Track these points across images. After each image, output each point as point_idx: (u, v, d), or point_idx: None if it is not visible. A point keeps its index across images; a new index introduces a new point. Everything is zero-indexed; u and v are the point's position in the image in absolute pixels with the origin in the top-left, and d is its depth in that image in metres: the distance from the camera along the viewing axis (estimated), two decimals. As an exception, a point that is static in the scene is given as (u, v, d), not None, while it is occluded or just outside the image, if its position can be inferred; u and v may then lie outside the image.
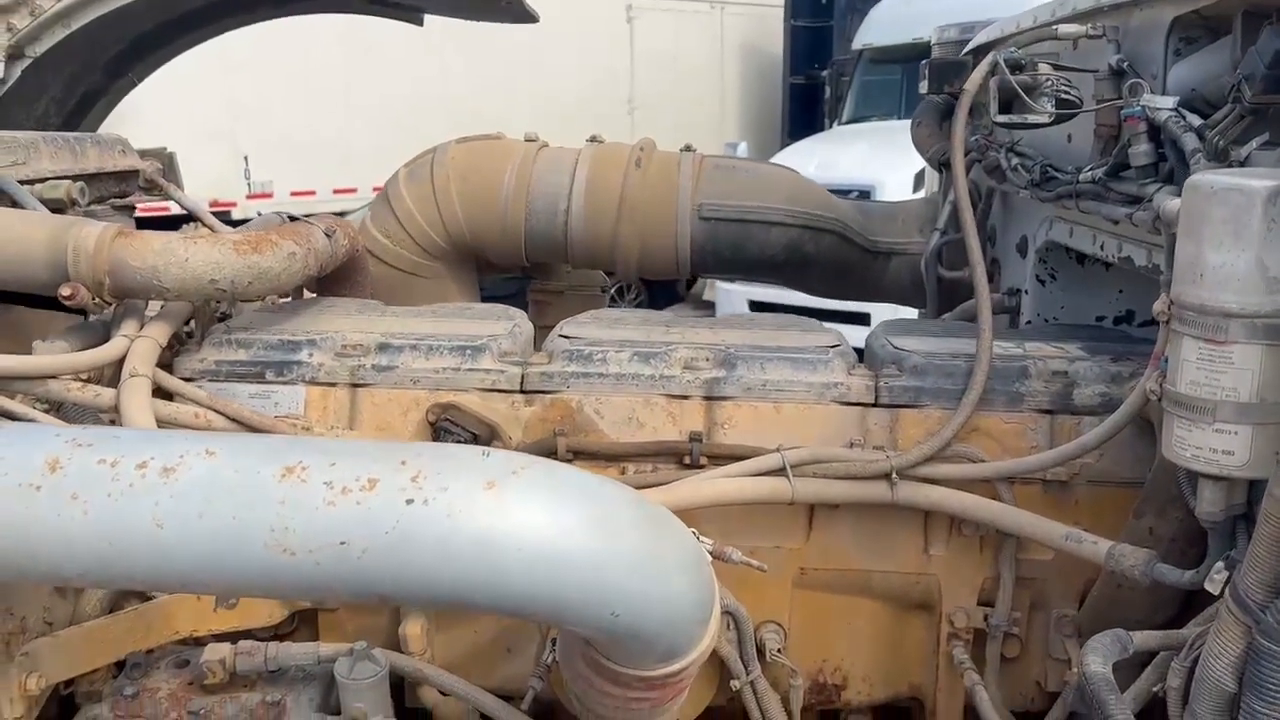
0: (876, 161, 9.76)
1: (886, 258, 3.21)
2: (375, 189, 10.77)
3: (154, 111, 8.43)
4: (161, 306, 2.07)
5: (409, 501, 1.29)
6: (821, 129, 12.43)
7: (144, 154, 3.15)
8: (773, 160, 11.13)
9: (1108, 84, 2.16)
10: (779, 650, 2.01)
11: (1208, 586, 1.60)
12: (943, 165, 3.14)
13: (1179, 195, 1.80)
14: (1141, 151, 1.91)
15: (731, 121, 14.04)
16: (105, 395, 1.84)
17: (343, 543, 1.29)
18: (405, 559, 1.29)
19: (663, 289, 11.54)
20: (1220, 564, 1.59)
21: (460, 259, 2.87)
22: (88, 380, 1.91)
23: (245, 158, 10.08)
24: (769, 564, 2.04)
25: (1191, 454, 1.55)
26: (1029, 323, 2.71)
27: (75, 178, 2.46)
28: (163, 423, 1.87)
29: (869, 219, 3.20)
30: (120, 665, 1.91)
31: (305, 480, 1.31)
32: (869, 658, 2.12)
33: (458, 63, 10.47)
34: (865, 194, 9.91)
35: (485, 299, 3.28)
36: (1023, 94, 2.17)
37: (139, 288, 1.96)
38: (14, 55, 2.76)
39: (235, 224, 10.41)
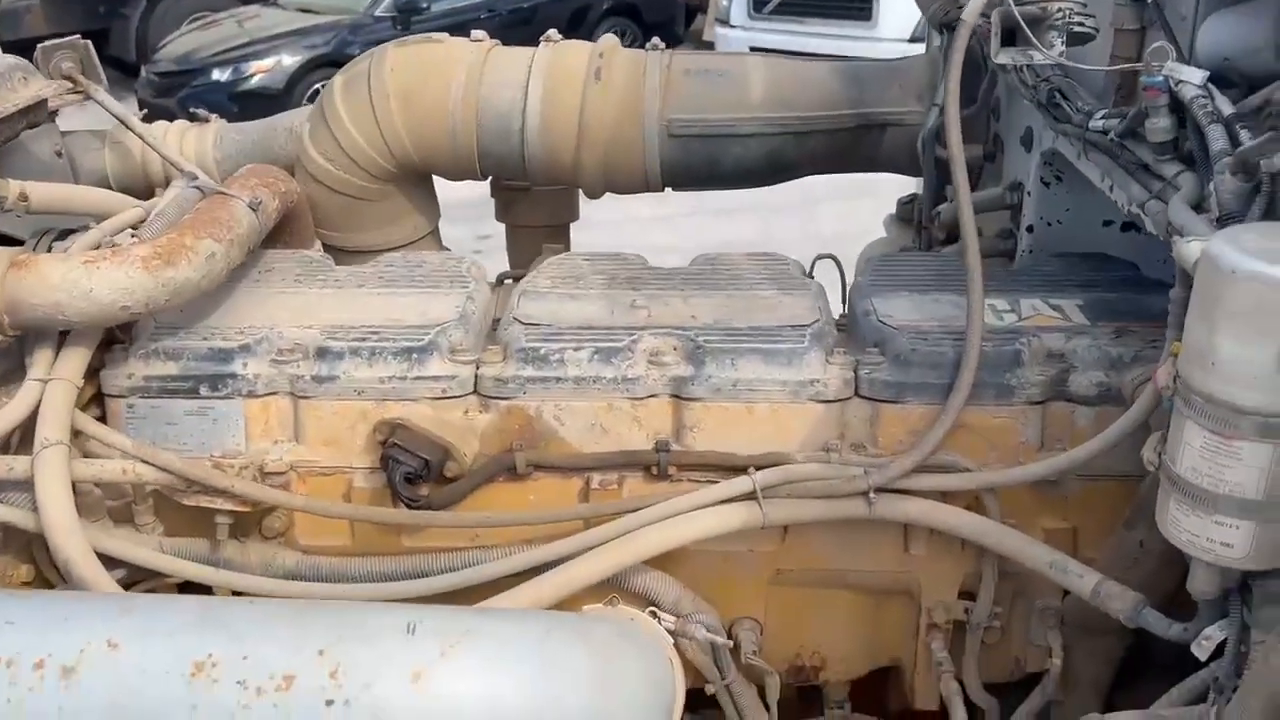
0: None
1: (881, 130, 2.91)
2: None
3: None
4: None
5: (329, 703, 1.20)
6: None
7: (56, 48, 2.84)
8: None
9: (1128, 11, 1.86)
10: (755, 652, 1.96)
11: (1195, 651, 1.52)
12: (944, 27, 2.80)
13: (1197, 200, 1.59)
14: (1160, 127, 1.66)
15: None
16: (19, 467, 1.72)
17: (263, 748, 1.21)
18: (332, 762, 1.21)
19: (660, 32, 10.98)
20: (1210, 630, 1.51)
21: (411, 178, 2.62)
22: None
23: None
24: (743, 567, 1.98)
25: (1187, 538, 1.44)
26: (1030, 227, 2.49)
27: (-32, 134, 2.22)
28: (89, 482, 1.76)
29: (863, 86, 2.88)
30: None
31: (216, 680, 1.21)
32: (847, 640, 2.09)
33: None
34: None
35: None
36: (1026, 29, 1.87)
37: (41, 324, 1.79)
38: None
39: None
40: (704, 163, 2.53)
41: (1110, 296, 2.08)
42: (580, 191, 3.01)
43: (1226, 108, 1.56)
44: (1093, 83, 2.04)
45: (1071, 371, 1.89)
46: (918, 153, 2.86)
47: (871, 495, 1.81)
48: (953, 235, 2.85)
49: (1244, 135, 1.52)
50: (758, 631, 2.01)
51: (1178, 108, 1.64)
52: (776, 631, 2.05)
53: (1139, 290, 2.11)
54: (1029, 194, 2.52)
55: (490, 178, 2.75)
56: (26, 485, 1.75)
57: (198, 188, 2.13)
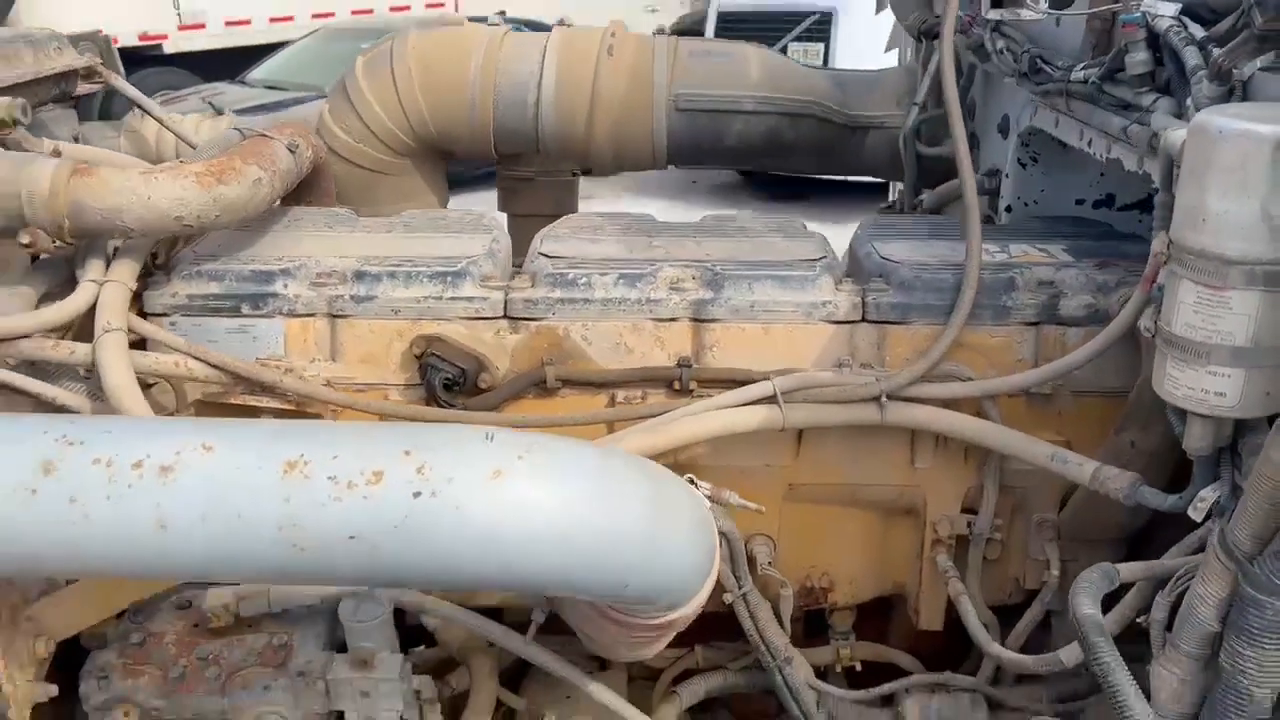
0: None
1: (864, 132, 3.13)
2: (315, 15, 10.26)
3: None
4: (123, 242, 1.98)
5: (416, 494, 1.28)
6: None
7: (75, 39, 2.97)
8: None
9: (1103, -33, 2.07)
10: (769, 564, 2.06)
11: (1191, 514, 1.64)
12: (923, 35, 3.03)
13: (1176, 113, 1.77)
14: (1139, 60, 1.85)
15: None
16: (80, 352, 1.78)
17: (352, 537, 1.28)
18: (417, 551, 1.29)
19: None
20: (1204, 492, 1.64)
21: (427, 154, 2.76)
22: (59, 335, 1.85)
23: (175, -16, 9.58)
24: (759, 482, 2.08)
25: (1183, 393, 1.57)
26: (1009, 208, 2.69)
27: (11, 88, 2.32)
28: (142, 375, 1.83)
29: (846, 92, 3.10)
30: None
31: (309, 476, 1.29)
32: (855, 561, 2.18)
33: None
34: (826, 18, 9.66)
35: (452, 183, 3.19)
36: (1015, -12, 2.08)
37: (101, 228, 1.87)
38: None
39: (167, 60, 9.99)
40: (709, 137, 2.70)
41: (1090, 243, 2.25)
42: (579, 185, 3.17)
43: (1199, 33, 1.76)
44: (1069, 50, 2.25)
45: (1061, 297, 2.05)
46: (899, 151, 3.07)
47: (883, 400, 1.93)
48: (934, 223, 3.05)
49: (1216, 53, 1.71)
50: (771, 546, 2.11)
51: (1154, 44, 1.84)
52: (788, 551, 2.14)
53: (1115, 239, 2.29)
54: (1007, 176, 2.72)
55: (498, 164, 2.89)
56: (82, 376, 1.81)
57: (238, 130, 2.24)
